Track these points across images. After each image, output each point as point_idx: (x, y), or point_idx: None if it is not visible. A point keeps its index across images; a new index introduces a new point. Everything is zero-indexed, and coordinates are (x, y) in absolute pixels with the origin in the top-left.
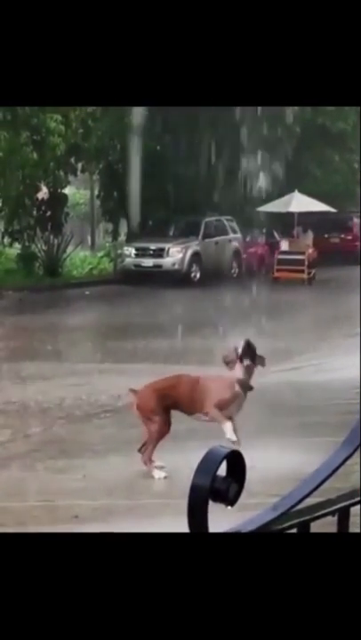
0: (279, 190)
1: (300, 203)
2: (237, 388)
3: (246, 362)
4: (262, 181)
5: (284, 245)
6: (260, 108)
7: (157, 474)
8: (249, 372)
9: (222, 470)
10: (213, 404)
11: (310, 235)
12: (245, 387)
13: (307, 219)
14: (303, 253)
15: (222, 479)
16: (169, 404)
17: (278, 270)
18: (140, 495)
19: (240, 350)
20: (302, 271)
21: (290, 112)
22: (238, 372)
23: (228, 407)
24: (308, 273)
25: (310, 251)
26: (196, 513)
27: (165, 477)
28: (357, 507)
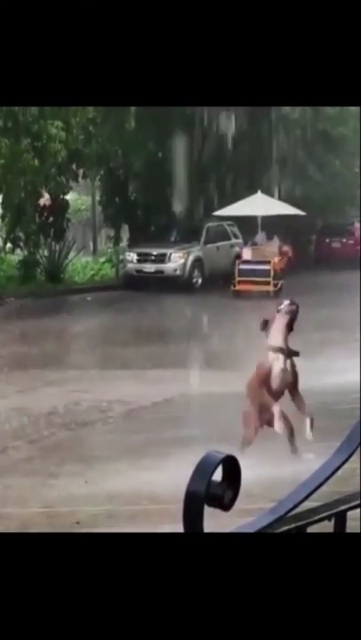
0: (280, 195)
1: (263, 205)
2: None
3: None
4: (263, 185)
5: (247, 254)
6: (261, 111)
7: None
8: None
9: (218, 475)
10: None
11: (276, 241)
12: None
13: (308, 223)
14: (268, 262)
15: (218, 484)
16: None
17: (240, 282)
18: (142, 501)
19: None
20: (267, 283)
21: (291, 116)
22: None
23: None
24: (275, 285)
25: (276, 260)
26: (192, 518)
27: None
28: (357, 511)
